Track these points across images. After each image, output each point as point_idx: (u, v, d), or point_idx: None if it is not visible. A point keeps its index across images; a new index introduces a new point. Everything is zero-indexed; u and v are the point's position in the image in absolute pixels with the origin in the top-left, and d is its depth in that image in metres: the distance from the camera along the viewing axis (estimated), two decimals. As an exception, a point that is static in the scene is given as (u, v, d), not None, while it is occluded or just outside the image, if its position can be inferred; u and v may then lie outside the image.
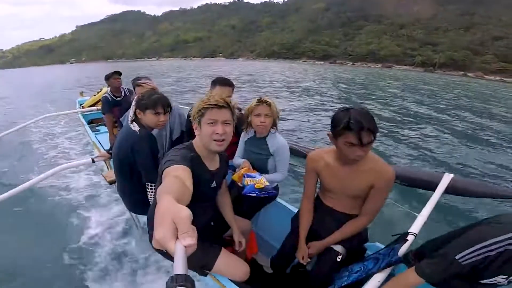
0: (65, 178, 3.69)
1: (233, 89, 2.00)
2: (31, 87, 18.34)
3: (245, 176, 1.56)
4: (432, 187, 1.78)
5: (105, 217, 2.81)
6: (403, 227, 1.42)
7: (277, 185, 1.85)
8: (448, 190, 1.77)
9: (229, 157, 1.72)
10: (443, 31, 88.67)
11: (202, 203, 1.22)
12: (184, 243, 0.47)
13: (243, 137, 1.81)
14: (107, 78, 3.35)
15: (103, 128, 4.53)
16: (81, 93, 6.81)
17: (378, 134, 1.10)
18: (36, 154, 4.84)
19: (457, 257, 0.96)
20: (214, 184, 1.28)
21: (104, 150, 2.61)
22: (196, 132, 1.19)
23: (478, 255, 0.93)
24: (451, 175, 1.82)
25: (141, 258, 2.19)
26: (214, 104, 1.11)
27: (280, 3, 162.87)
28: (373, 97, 13.14)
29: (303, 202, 1.47)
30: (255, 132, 1.73)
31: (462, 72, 63.21)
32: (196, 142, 1.22)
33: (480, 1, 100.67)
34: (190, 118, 1.23)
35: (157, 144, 1.67)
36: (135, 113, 1.69)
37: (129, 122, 1.70)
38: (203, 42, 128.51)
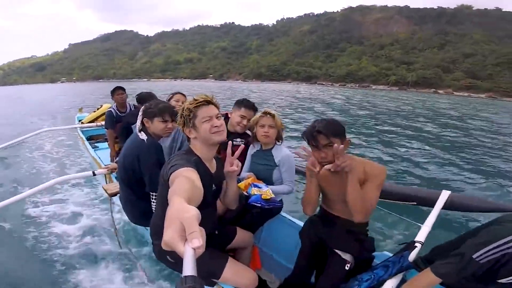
0: (61, 192, 3.65)
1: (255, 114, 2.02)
2: (27, 104, 18.95)
3: (252, 185, 1.63)
4: (431, 204, 1.92)
5: (93, 227, 2.84)
6: (409, 238, 1.53)
7: (281, 198, 1.93)
8: (446, 206, 1.89)
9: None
10: (419, 50, 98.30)
11: (205, 209, 1.19)
12: (192, 246, 0.49)
13: (250, 150, 1.96)
14: (112, 93, 3.45)
15: (102, 145, 4.57)
16: (80, 109, 6.96)
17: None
18: (34, 168, 4.82)
19: (474, 256, 0.99)
20: (214, 187, 1.32)
21: (105, 165, 2.68)
22: (191, 136, 1.25)
23: (496, 252, 0.96)
24: (448, 192, 1.96)
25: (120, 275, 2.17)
26: (203, 101, 1.22)
27: (270, 26, 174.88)
28: (342, 115, 14.24)
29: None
30: (261, 145, 1.88)
31: (433, 90, 70.35)
32: (194, 146, 1.27)
33: (454, 20, 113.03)
34: (181, 128, 1.28)
35: (163, 154, 1.77)
36: (142, 122, 1.80)
37: (136, 131, 1.81)
38: (194, 64, 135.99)
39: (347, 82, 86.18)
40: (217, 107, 1.27)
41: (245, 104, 2.02)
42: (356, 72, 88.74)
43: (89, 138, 4.89)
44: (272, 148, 1.86)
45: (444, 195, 1.94)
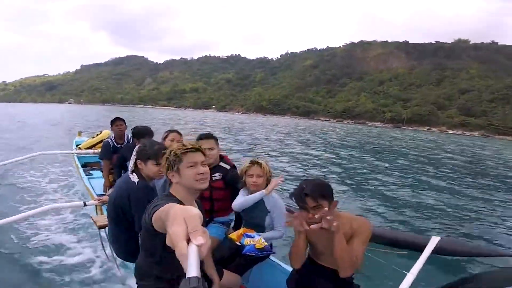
0: (49, 218, 3.62)
1: (216, 141, 2.12)
2: (32, 122, 20.50)
3: (245, 236, 1.69)
4: (420, 248, 1.94)
5: (84, 258, 2.81)
6: (396, 283, 1.58)
7: (271, 242, 1.97)
8: (436, 251, 1.92)
9: (220, 213, 2.17)
10: (416, 86, 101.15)
11: None
12: (196, 243, 0.50)
13: (242, 193, 2.02)
14: (111, 123, 3.48)
15: (97, 173, 4.54)
16: (80, 133, 6.90)
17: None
18: (24, 191, 4.83)
19: None
20: None
21: (97, 195, 2.73)
22: (174, 180, 1.28)
23: None
24: (438, 238, 1.99)
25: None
26: (191, 147, 1.27)
27: (274, 59, 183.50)
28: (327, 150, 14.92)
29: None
30: (251, 192, 1.94)
31: (428, 127, 72.22)
32: (175, 190, 1.30)
33: (452, 54, 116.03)
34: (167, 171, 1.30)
35: (155, 194, 1.82)
36: (135, 163, 1.82)
37: (129, 172, 1.85)
38: (199, 93, 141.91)
39: (344, 118, 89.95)
40: (204, 155, 1.31)
41: (201, 137, 2.11)
42: (353, 108, 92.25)
43: (84, 165, 4.93)
44: None
45: (434, 241, 1.97)
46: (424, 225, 4.97)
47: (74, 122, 23.48)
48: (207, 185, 1.32)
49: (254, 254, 1.65)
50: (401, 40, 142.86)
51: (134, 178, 1.81)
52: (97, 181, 3.92)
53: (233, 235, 1.74)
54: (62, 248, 3.07)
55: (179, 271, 0.51)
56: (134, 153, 1.89)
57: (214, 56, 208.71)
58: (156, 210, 1.00)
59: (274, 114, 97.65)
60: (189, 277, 0.46)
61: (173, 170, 1.27)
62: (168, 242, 0.53)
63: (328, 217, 1.26)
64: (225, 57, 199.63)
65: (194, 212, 0.57)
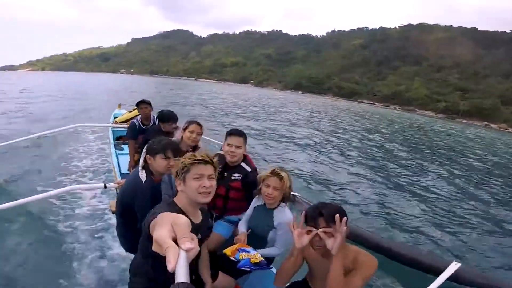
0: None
1: (244, 139, 2.10)
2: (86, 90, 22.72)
3: (240, 250, 1.67)
4: (436, 272, 1.88)
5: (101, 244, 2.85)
6: None
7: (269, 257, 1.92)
8: (452, 279, 1.85)
9: (232, 212, 2.15)
10: (482, 77, 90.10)
11: None
12: (184, 248, 0.50)
13: (254, 202, 1.98)
14: (137, 105, 3.65)
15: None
16: (119, 106, 6.96)
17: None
18: (55, 165, 4.87)
19: None
20: (199, 236, 1.33)
21: (121, 175, 2.80)
22: (179, 188, 1.31)
23: None
24: (458, 264, 1.92)
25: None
26: (201, 160, 1.27)
27: (319, 36, 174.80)
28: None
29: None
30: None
31: (486, 123, 64.93)
32: (178, 199, 1.33)
33: None
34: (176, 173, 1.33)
35: (161, 194, 1.85)
36: (145, 159, 1.86)
37: (139, 168, 1.88)
38: (239, 68, 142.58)
39: (391, 102, 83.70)
40: (214, 168, 1.32)
41: (231, 132, 2.09)
42: (404, 93, 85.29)
43: (118, 138, 5.05)
44: (275, 208, 1.85)
45: (452, 267, 1.88)
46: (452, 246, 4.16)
47: (125, 92, 24.67)
48: (209, 200, 1.32)
49: (249, 269, 1.62)
50: (468, 26, 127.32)
51: (143, 175, 1.84)
52: (126, 158, 3.91)
53: (227, 251, 1.71)
54: (80, 230, 3.12)
55: (171, 274, 0.53)
56: (144, 149, 1.94)
57: (255, 31, 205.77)
58: (154, 218, 0.98)
59: (313, 93, 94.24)
60: (178, 283, 0.46)
61: (179, 178, 1.30)
62: (154, 248, 0.53)
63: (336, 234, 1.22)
64: (266, 33, 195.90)
65: (182, 219, 0.57)
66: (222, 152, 2.16)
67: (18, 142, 4.46)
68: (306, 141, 10.89)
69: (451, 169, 9.59)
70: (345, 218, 1.25)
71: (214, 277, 1.64)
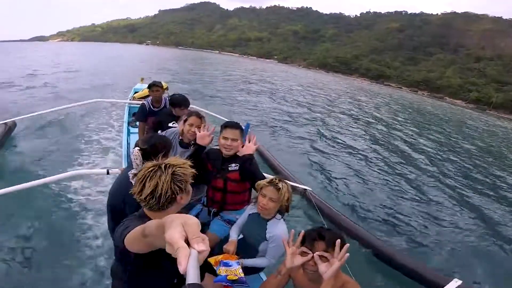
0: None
1: (241, 132, 2.05)
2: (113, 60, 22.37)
3: (222, 263, 1.59)
4: (436, 286, 1.86)
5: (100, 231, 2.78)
6: None
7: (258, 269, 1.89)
8: None
9: (232, 206, 2.07)
10: None
11: (163, 262, 1.17)
12: (197, 248, 0.50)
13: (250, 209, 1.90)
14: (148, 87, 3.57)
15: None
16: (142, 80, 6.65)
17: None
18: (69, 142, 4.83)
19: None
20: None
21: (127, 158, 2.59)
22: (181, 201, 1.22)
23: None
24: (459, 282, 1.88)
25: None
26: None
27: (352, 16, 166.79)
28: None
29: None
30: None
31: None
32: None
33: None
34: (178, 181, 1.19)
35: None
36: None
37: (130, 173, 1.70)
38: (263, 43, 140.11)
39: (419, 88, 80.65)
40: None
41: (227, 125, 2.03)
42: (435, 80, 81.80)
43: (134, 114, 4.80)
44: (270, 219, 1.77)
45: (453, 284, 1.87)
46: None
47: (150, 64, 23.97)
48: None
49: (225, 284, 1.53)
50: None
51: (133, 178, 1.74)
52: (137, 138, 3.79)
53: (212, 259, 1.63)
54: (82, 216, 3.07)
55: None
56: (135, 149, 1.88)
57: (283, 6, 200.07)
58: (128, 233, 0.94)
59: (340, 73, 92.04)
60: (189, 284, 0.45)
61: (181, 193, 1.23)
62: (168, 250, 0.53)
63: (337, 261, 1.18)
64: (295, 9, 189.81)
65: (192, 220, 0.58)
66: (217, 147, 2.13)
67: (40, 114, 4.55)
68: (330, 130, 9.80)
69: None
70: (347, 245, 1.21)
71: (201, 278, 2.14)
